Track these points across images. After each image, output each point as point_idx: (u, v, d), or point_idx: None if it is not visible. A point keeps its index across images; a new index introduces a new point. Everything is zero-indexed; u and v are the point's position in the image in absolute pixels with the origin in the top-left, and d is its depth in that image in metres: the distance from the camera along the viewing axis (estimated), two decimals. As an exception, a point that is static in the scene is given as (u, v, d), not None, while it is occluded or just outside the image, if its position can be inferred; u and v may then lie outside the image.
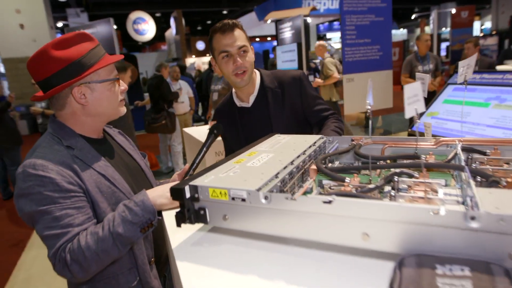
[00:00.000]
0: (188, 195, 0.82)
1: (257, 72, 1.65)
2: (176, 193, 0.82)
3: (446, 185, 0.85)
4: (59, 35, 11.35)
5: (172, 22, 15.04)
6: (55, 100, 1.14)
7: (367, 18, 4.87)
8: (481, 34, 15.20)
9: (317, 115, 1.63)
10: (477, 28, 16.73)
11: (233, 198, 0.78)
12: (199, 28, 24.40)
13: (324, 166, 0.94)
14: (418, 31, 17.99)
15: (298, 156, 0.98)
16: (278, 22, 7.25)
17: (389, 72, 5.06)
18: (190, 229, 0.94)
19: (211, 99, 5.02)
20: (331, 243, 0.70)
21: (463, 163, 0.85)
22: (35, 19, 9.53)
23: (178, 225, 0.85)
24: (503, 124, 2.61)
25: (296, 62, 6.63)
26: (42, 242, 1.04)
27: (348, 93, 4.92)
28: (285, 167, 0.89)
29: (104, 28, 5.08)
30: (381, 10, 4.95)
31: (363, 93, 4.98)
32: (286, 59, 6.99)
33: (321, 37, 21.32)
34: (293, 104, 1.61)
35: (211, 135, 1.38)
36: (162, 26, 19.37)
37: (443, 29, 13.72)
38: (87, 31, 5.11)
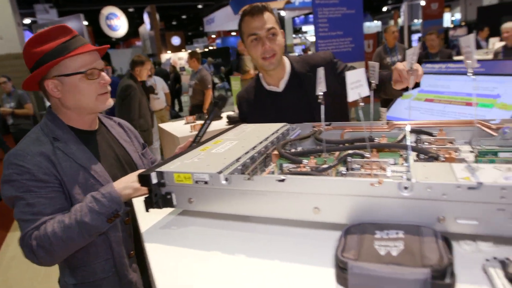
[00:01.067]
0: (154, 180, 0.87)
1: (285, 58, 1.59)
2: (143, 179, 0.87)
3: (394, 164, 0.92)
4: (27, 32, 11.00)
5: (145, 17, 14.79)
6: (43, 92, 1.19)
7: (339, 11, 4.97)
8: (452, 25, 15.68)
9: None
10: (447, 19, 17.24)
11: (196, 182, 0.83)
12: (174, 23, 24.08)
13: (284, 150, 1.00)
14: (392, 23, 18.40)
15: (261, 142, 1.04)
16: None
17: (361, 64, 5.19)
18: (160, 214, 0.99)
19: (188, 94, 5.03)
20: (287, 219, 0.76)
21: (409, 143, 0.93)
22: (0, 16, 9.18)
23: (147, 210, 0.90)
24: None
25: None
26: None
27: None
28: (246, 152, 0.95)
29: (73, 25, 4.97)
30: (352, 2, 5.06)
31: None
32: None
33: (297, 30, 21.46)
34: (329, 87, 1.40)
35: (215, 107, 1.38)
36: (136, 21, 19.04)
37: (415, 20, 14.06)
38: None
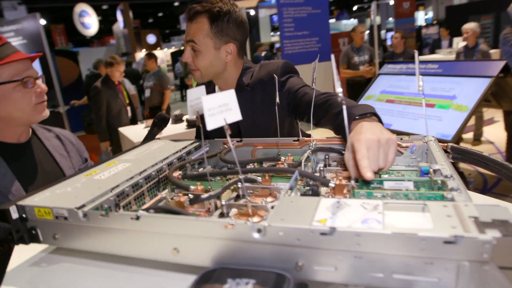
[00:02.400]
0: (15, 215, 0.77)
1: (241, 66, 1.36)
2: (2, 214, 0.76)
3: (291, 189, 0.85)
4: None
5: (118, 14, 14.43)
6: None
7: (304, 11, 4.92)
8: (425, 24, 15.93)
9: (306, 107, 1.21)
10: (421, 17, 17.51)
11: (57, 217, 0.73)
12: (150, 20, 23.63)
13: (178, 173, 0.92)
14: (368, 21, 18.55)
15: (155, 164, 0.95)
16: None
17: (328, 64, 5.15)
18: (39, 248, 0.88)
19: (144, 96, 4.91)
20: (146, 259, 0.68)
21: (303, 165, 0.86)
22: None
23: (9, 247, 0.79)
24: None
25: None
26: None
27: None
28: (131, 178, 0.85)
29: (30, 24, 4.75)
30: (318, 2, 5.01)
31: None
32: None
33: (275, 27, 21.39)
34: (269, 101, 1.24)
35: (154, 127, 1.27)
36: (110, 19, 18.56)
37: (390, 19, 14.21)
38: (12, 27, 4.73)
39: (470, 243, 0.46)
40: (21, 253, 0.86)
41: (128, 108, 4.30)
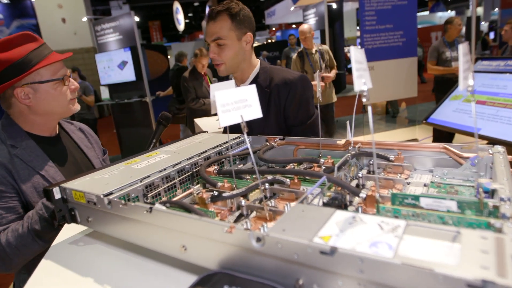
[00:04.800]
0: (57, 196, 0.83)
1: (258, 65, 1.54)
2: (46, 194, 0.83)
3: (313, 194, 0.78)
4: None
5: (207, 10, 15.13)
6: (1, 100, 1.20)
7: (388, 2, 4.56)
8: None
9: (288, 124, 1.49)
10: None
11: (88, 201, 0.77)
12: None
13: (208, 169, 0.91)
14: (468, 12, 16.57)
15: (190, 158, 0.95)
16: (303, 9, 7.04)
17: (414, 59, 4.72)
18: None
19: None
20: (157, 251, 0.67)
21: (336, 170, 0.78)
22: (76, 13, 10.04)
23: (54, 225, 0.87)
24: None
25: (319, 50, 6.41)
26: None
27: (368, 82, 4.66)
28: (162, 170, 0.87)
29: (126, 21, 5.22)
30: (405, -8, 4.61)
31: (384, 82, 4.71)
32: (310, 47, 6.78)
33: (362, 21, 20.35)
34: (278, 106, 1.47)
35: (159, 125, 1.37)
36: (200, 15, 19.60)
37: (496, 9, 12.57)
38: (112, 24, 5.26)
39: (503, 292, 0.35)
40: (67, 231, 0.94)
41: None
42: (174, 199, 0.84)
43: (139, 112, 5.45)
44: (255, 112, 0.63)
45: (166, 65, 8.72)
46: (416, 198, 0.60)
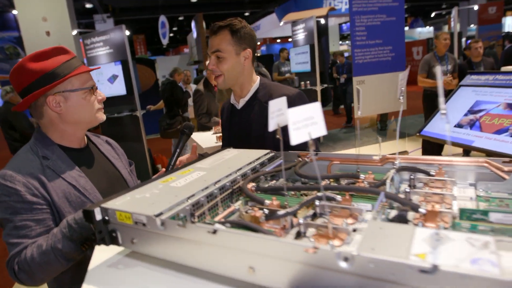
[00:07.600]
0: (99, 217, 0.80)
1: (257, 81, 1.59)
2: (87, 215, 0.80)
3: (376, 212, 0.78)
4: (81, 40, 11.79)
5: (193, 25, 15.22)
6: (33, 109, 1.21)
7: (378, 19, 4.70)
8: (514, 30, 14.41)
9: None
10: (509, 23, 15.87)
11: (136, 223, 0.75)
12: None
13: (250, 187, 0.90)
14: (446, 28, 17.26)
15: (229, 175, 0.94)
16: (292, 24, 7.17)
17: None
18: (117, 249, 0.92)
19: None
20: (220, 274, 0.66)
21: (389, 185, 0.79)
22: (60, 26, 9.89)
23: (87, 247, 0.83)
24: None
25: (309, 64, 6.53)
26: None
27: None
28: (206, 188, 0.85)
29: (116, 35, 5.18)
30: (393, 9, 4.76)
31: (374, 96, 4.81)
32: (299, 61, 6.90)
33: (344, 36, 20.92)
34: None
35: (182, 135, 1.42)
36: (185, 29, 19.67)
37: (472, 25, 13.13)
38: (102, 37, 5.21)
39: None
40: (100, 254, 0.90)
41: None
42: (217, 217, 0.82)
43: (129, 126, 5.37)
44: (320, 129, 0.63)
45: (154, 79, 8.69)
46: (485, 213, 0.60)
